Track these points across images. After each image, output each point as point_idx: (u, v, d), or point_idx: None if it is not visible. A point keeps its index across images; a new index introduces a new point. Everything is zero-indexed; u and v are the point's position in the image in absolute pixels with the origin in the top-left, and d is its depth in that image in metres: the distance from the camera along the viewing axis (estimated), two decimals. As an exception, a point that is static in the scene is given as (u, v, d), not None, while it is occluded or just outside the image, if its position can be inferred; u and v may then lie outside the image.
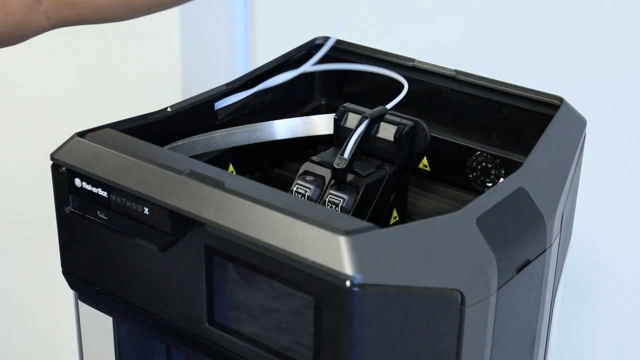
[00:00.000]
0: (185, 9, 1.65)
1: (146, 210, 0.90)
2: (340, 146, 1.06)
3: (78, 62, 1.86)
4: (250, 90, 1.12)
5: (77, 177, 0.95)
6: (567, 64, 1.40)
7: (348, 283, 0.78)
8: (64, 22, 1.00)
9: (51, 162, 0.96)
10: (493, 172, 1.10)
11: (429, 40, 1.47)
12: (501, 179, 1.09)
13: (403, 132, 1.02)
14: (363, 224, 0.81)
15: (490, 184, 1.10)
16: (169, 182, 0.89)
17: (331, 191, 0.99)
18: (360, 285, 0.78)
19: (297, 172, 1.03)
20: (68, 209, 0.96)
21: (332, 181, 1.00)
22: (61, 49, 1.80)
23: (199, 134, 1.07)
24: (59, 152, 0.96)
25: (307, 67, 1.13)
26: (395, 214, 1.05)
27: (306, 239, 0.81)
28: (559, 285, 1.03)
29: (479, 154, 1.10)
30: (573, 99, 1.06)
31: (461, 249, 0.85)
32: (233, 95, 1.11)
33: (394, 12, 1.51)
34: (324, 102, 1.22)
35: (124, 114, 1.03)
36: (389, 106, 1.01)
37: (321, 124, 1.12)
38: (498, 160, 1.09)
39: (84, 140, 0.95)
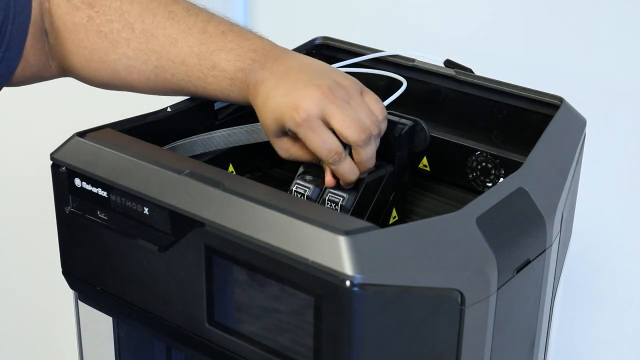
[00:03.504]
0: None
1: (146, 210, 0.90)
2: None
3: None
4: None
5: (77, 177, 0.94)
6: (567, 64, 1.40)
7: (348, 283, 0.78)
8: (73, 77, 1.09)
9: (51, 162, 0.96)
10: (493, 172, 1.10)
11: (429, 40, 1.47)
12: (501, 179, 1.09)
13: (402, 132, 1.02)
14: (363, 223, 0.81)
15: (490, 184, 1.10)
16: (169, 182, 0.89)
17: (331, 190, 0.99)
18: (360, 285, 0.78)
19: (297, 172, 1.03)
20: (68, 209, 0.96)
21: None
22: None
23: (199, 134, 1.07)
24: (59, 152, 0.96)
25: None
26: (395, 213, 1.05)
27: (306, 239, 0.80)
28: (559, 285, 1.03)
29: (479, 154, 1.10)
30: (573, 99, 1.06)
31: (461, 249, 0.85)
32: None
33: (395, 12, 1.51)
34: (324, 102, 1.22)
35: (124, 114, 1.03)
36: (385, 103, 1.01)
37: (321, 124, 1.12)
38: (498, 160, 1.09)
39: (84, 140, 0.95)
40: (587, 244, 1.44)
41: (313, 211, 0.84)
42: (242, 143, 1.09)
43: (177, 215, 0.88)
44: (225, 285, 0.87)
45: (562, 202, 0.97)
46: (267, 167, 1.16)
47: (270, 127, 0.96)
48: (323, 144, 0.93)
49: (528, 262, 0.92)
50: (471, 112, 1.11)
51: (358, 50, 1.17)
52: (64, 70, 1.06)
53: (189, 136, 1.07)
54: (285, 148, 0.99)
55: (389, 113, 1.03)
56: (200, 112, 1.09)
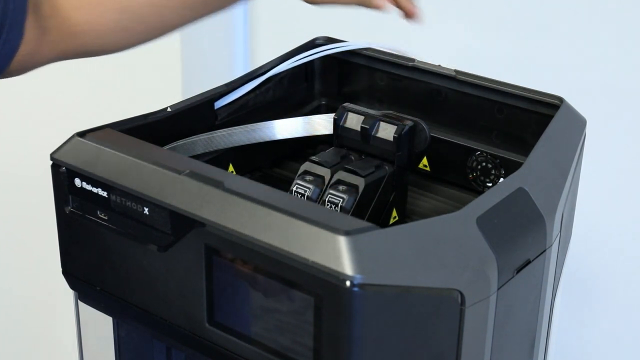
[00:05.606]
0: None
1: (146, 210, 0.90)
2: (340, 146, 1.06)
3: (78, 62, 1.86)
4: (251, 84, 1.12)
5: (77, 177, 0.94)
6: (567, 64, 1.40)
7: (348, 283, 0.78)
8: (67, 53, 1.03)
9: (51, 162, 0.96)
10: (493, 172, 1.10)
11: (429, 40, 1.47)
12: (501, 179, 1.09)
13: (403, 132, 1.02)
14: (363, 224, 0.81)
15: (490, 184, 1.10)
16: (169, 182, 0.89)
17: (331, 191, 0.99)
18: (360, 285, 0.78)
19: (297, 172, 1.03)
20: (68, 209, 0.96)
21: (332, 181, 1.01)
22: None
23: (199, 134, 1.07)
24: (59, 152, 0.96)
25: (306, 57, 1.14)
26: (395, 213, 1.05)
27: (306, 239, 0.81)
28: (559, 285, 1.03)
29: (479, 154, 1.10)
30: (573, 99, 1.06)
31: (461, 249, 0.85)
32: (233, 92, 1.11)
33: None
34: (324, 102, 1.22)
35: (124, 114, 1.03)
36: None
37: (321, 124, 1.12)
38: (498, 160, 1.09)
39: (84, 140, 0.95)
40: (587, 244, 1.44)
41: (313, 211, 0.84)
42: (242, 143, 1.10)
43: (177, 215, 0.88)
44: (225, 285, 0.87)
45: (562, 202, 0.97)
46: (267, 167, 1.17)
47: None
48: None
49: (528, 262, 0.92)
50: (471, 112, 1.11)
51: (359, 50, 1.17)
52: (61, 40, 1.01)
53: (189, 136, 1.07)
54: None
55: (389, 114, 1.04)
56: (200, 112, 1.09)
